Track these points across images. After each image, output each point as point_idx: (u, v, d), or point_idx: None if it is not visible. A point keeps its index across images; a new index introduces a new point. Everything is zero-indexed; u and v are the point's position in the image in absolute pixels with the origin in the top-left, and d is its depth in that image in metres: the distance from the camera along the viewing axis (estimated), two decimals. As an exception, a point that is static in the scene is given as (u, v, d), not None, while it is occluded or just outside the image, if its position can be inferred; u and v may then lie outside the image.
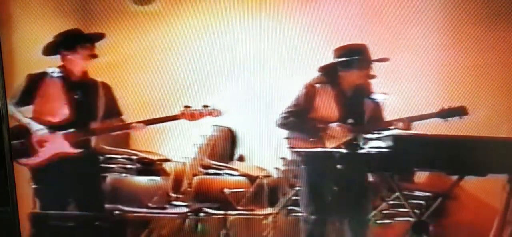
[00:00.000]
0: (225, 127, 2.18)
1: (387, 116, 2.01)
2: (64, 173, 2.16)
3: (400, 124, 1.96)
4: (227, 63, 2.06)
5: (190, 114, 2.08)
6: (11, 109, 2.11)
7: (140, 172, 2.27)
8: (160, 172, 2.28)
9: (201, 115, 2.08)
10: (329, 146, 2.02)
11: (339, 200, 2.07)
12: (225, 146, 2.23)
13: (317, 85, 2.05)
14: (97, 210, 2.18)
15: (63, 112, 2.11)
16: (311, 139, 2.03)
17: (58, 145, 2.12)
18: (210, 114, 2.08)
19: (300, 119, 2.05)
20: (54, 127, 2.11)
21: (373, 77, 1.99)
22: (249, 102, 2.08)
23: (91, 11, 2.09)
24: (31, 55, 2.10)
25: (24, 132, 2.12)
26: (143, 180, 2.28)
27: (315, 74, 2.05)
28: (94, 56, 2.09)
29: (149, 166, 2.27)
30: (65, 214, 2.17)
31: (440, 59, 1.92)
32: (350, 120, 2.02)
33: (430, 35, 1.92)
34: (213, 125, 2.17)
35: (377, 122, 2.00)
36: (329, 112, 2.05)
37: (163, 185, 2.29)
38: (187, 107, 2.08)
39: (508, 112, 1.92)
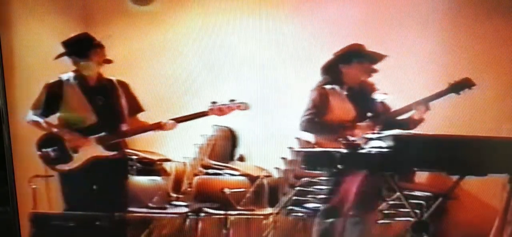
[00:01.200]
0: (225, 127, 2.18)
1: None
2: (97, 176, 2.17)
3: (420, 107, 1.97)
4: (227, 63, 2.06)
5: (218, 109, 2.07)
6: (37, 120, 2.13)
7: (140, 172, 2.27)
8: (161, 172, 2.29)
9: (229, 109, 2.07)
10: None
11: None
12: (226, 146, 2.23)
13: (326, 86, 2.06)
14: (123, 211, 2.20)
15: (88, 116, 2.12)
16: (339, 138, 2.03)
17: (92, 149, 2.12)
18: (238, 107, 2.07)
19: (322, 120, 2.06)
20: (83, 132, 2.12)
21: (375, 71, 2.00)
22: (250, 102, 2.07)
23: (91, 11, 2.09)
24: (31, 55, 2.10)
25: (55, 139, 2.13)
26: (143, 180, 2.28)
27: (315, 73, 2.05)
28: (109, 61, 2.09)
29: (149, 166, 2.27)
30: (65, 214, 2.17)
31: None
32: (369, 114, 2.04)
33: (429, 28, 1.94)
34: (214, 125, 2.17)
35: (394, 111, 2.01)
36: (345, 110, 2.06)
37: (163, 185, 2.29)
38: (214, 102, 2.07)
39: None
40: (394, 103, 2.03)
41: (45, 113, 2.13)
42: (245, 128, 2.16)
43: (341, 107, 2.07)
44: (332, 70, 2.05)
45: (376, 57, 1.99)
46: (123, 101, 2.14)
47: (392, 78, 1.99)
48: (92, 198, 2.17)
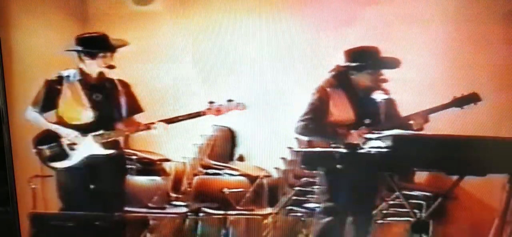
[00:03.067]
0: (225, 127, 2.18)
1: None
2: (93, 174, 2.16)
3: (418, 119, 1.96)
4: (227, 63, 2.06)
5: (216, 109, 2.07)
6: (35, 116, 2.11)
7: (140, 172, 2.27)
8: (160, 172, 2.29)
9: (227, 109, 2.07)
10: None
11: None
12: (225, 146, 2.23)
13: (328, 89, 2.04)
14: (119, 210, 2.19)
15: (87, 114, 2.12)
16: (332, 143, 2.02)
17: (89, 147, 2.13)
18: (235, 107, 2.07)
19: (318, 124, 2.04)
20: (81, 130, 2.12)
21: (385, 81, 1.99)
22: (249, 102, 2.07)
23: (91, 12, 2.09)
24: (31, 55, 2.11)
25: (53, 137, 2.13)
26: (143, 180, 2.28)
27: (315, 73, 2.05)
28: (112, 66, 2.09)
29: (149, 166, 2.27)
30: (65, 214, 2.17)
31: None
32: (367, 121, 2.02)
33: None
34: (213, 125, 2.17)
35: (394, 119, 2.00)
36: (345, 114, 2.04)
37: (163, 185, 2.29)
38: (211, 102, 2.07)
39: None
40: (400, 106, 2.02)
41: (44, 109, 2.12)
42: (245, 128, 2.16)
43: (341, 111, 2.04)
44: (341, 76, 2.02)
45: (389, 63, 1.96)
46: (123, 101, 2.14)
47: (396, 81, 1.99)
48: (89, 197, 2.17)
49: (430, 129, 1.97)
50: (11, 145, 2.15)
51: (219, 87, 2.09)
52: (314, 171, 2.10)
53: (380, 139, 1.94)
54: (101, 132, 2.10)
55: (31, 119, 2.12)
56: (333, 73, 2.02)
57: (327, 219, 2.08)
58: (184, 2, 2.07)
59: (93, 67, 2.10)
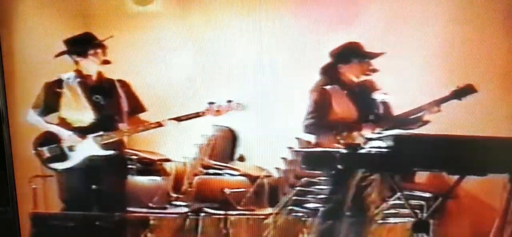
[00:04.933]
0: (225, 127, 2.18)
1: (397, 109, 2.02)
2: (93, 175, 2.17)
3: (434, 108, 1.96)
4: (227, 63, 2.06)
5: (216, 110, 2.08)
6: (37, 119, 2.13)
7: (140, 172, 2.27)
8: (161, 172, 2.28)
9: (227, 109, 2.08)
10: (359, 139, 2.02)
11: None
12: (226, 146, 2.23)
13: (327, 87, 2.05)
14: (121, 211, 2.20)
15: (88, 116, 2.12)
16: (341, 139, 2.03)
17: (89, 148, 2.12)
18: (235, 108, 2.08)
19: (325, 121, 2.05)
20: (82, 131, 2.13)
21: (374, 70, 2.00)
22: (250, 102, 2.07)
23: (91, 12, 2.09)
24: (31, 55, 2.10)
25: (53, 138, 2.14)
26: (143, 180, 2.28)
27: (315, 73, 2.05)
28: (107, 62, 2.10)
29: (149, 166, 2.27)
30: (65, 214, 2.17)
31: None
32: (371, 117, 2.03)
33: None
34: (214, 125, 2.17)
35: (400, 114, 2.00)
36: (347, 111, 2.05)
37: (163, 185, 2.29)
38: (211, 103, 2.08)
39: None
40: (397, 104, 2.03)
41: (45, 112, 2.14)
42: (245, 128, 2.16)
43: (343, 108, 2.06)
44: (331, 71, 2.04)
45: (373, 55, 1.97)
46: (123, 101, 2.14)
47: (394, 78, 1.99)
48: (89, 198, 2.17)
49: (430, 129, 1.98)
50: (11, 145, 2.15)
51: (220, 87, 2.08)
52: (314, 171, 2.11)
53: (380, 139, 1.94)
54: (101, 133, 2.11)
55: (33, 121, 2.14)
56: (322, 72, 2.03)
57: (327, 219, 2.09)
58: (184, 2, 2.06)
59: (89, 65, 2.11)
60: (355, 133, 2.02)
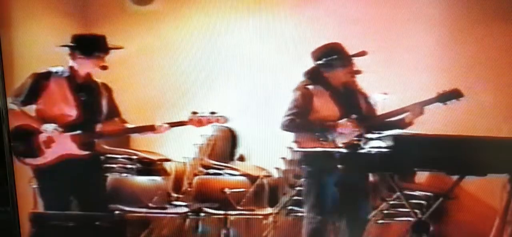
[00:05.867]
0: (225, 127, 2.18)
1: (383, 109, 2.02)
2: (69, 174, 2.16)
3: (416, 109, 1.96)
4: (227, 63, 2.06)
5: (197, 121, 2.09)
6: (16, 107, 2.11)
7: (140, 172, 2.27)
8: (161, 172, 2.29)
9: (208, 121, 2.09)
10: (340, 143, 2.01)
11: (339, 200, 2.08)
12: (225, 146, 2.23)
13: (310, 87, 2.05)
14: (100, 210, 2.18)
15: (68, 112, 2.12)
16: (321, 138, 2.03)
17: (65, 146, 2.12)
18: (217, 120, 2.09)
19: (304, 120, 2.05)
20: (60, 127, 2.11)
21: (358, 72, 1.99)
22: (250, 102, 2.08)
23: (91, 12, 2.09)
24: (31, 54, 2.10)
25: (28, 132, 2.12)
26: (143, 180, 2.28)
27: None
28: (105, 67, 2.10)
29: (149, 166, 2.27)
30: (65, 214, 2.17)
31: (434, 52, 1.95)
32: (353, 116, 2.02)
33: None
34: (214, 125, 2.17)
35: (386, 113, 2.00)
36: (330, 111, 2.04)
37: (163, 185, 2.29)
38: (194, 113, 2.08)
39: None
40: (387, 104, 2.02)
41: (24, 102, 2.11)
42: (245, 128, 2.16)
43: (325, 107, 2.05)
44: (315, 76, 2.04)
45: (356, 56, 1.96)
46: (104, 104, 2.14)
47: (386, 78, 1.99)
48: (65, 196, 2.17)
49: (429, 129, 1.98)
50: (11, 145, 2.15)
51: (220, 87, 2.08)
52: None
53: (380, 139, 1.94)
54: (79, 132, 2.10)
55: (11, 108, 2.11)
56: (307, 73, 2.04)
57: (326, 219, 2.09)
58: (184, 2, 2.06)
59: (85, 66, 2.11)
60: (337, 139, 2.01)
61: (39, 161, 2.13)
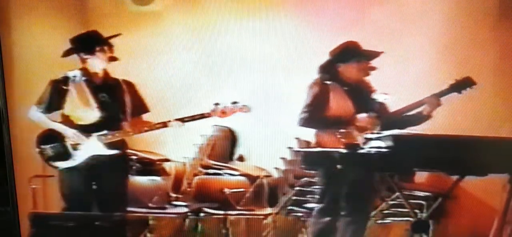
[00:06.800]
0: (225, 127, 2.18)
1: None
2: (95, 174, 2.17)
3: (433, 100, 1.96)
4: (227, 63, 2.06)
5: (221, 111, 2.08)
6: (39, 116, 2.12)
7: (140, 172, 2.27)
8: (161, 172, 2.29)
9: (232, 111, 2.08)
10: (359, 139, 2.01)
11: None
12: (225, 146, 2.23)
13: (327, 82, 2.04)
14: (122, 211, 2.20)
15: (92, 114, 2.12)
16: (339, 134, 2.02)
17: (93, 147, 2.13)
18: (240, 110, 2.08)
19: (321, 115, 2.04)
20: (86, 130, 2.13)
21: (373, 68, 1.99)
22: (250, 102, 2.07)
23: (91, 11, 2.09)
24: (31, 55, 2.11)
25: (56, 136, 2.14)
26: (143, 180, 2.28)
27: (315, 73, 2.05)
28: (114, 58, 2.10)
29: (149, 166, 2.27)
30: (65, 214, 2.17)
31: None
32: (370, 113, 2.02)
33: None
34: (214, 125, 2.17)
35: (403, 108, 2.00)
36: (345, 107, 2.04)
37: (163, 185, 2.29)
38: (217, 104, 2.08)
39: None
40: (395, 103, 2.02)
41: (49, 109, 2.13)
42: (245, 128, 2.16)
43: (341, 104, 2.05)
44: (329, 69, 2.04)
45: (372, 55, 1.97)
46: (128, 100, 2.14)
47: (391, 77, 1.99)
48: (91, 197, 2.17)
49: (429, 129, 1.98)
50: (11, 145, 2.15)
51: (220, 87, 2.08)
52: (314, 171, 2.11)
53: (380, 139, 1.94)
54: (105, 132, 2.11)
55: (35, 118, 2.13)
56: (322, 69, 2.04)
57: (326, 219, 2.09)
58: (184, 2, 2.06)
59: (96, 63, 2.11)
60: (355, 132, 2.01)
61: (68, 164, 2.14)
